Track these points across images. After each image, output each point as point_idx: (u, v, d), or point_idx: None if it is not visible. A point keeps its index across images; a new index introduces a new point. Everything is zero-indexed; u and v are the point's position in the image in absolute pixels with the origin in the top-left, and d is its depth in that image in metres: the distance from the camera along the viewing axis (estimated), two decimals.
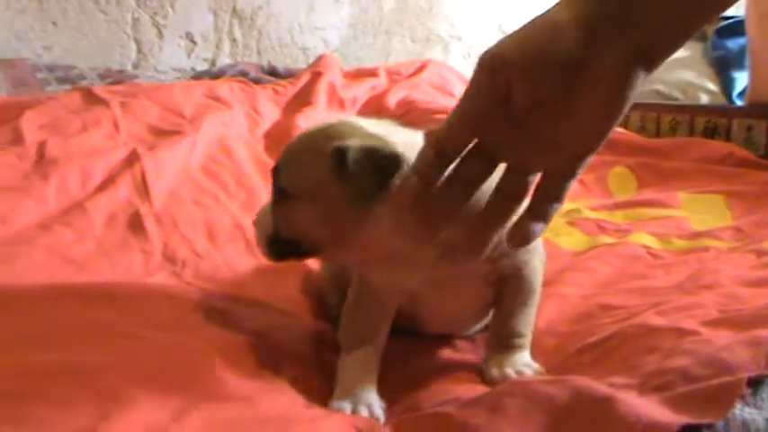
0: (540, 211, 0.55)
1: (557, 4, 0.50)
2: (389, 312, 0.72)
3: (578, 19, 0.48)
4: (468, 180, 0.54)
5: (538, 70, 0.49)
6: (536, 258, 0.74)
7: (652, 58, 0.49)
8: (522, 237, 0.54)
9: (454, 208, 0.54)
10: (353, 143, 0.63)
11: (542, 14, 0.50)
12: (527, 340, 0.74)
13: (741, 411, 0.53)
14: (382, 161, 0.62)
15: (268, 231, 0.69)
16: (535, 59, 0.49)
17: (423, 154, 0.54)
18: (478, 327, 0.83)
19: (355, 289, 0.73)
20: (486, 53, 0.50)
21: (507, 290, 0.73)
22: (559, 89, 0.49)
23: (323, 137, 0.66)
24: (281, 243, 0.68)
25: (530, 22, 0.51)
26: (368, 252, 0.66)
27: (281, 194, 0.68)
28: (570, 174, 0.54)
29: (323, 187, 0.64)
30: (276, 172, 0.69)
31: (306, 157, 0.67)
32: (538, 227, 0.55)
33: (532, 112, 0.50)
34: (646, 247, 1.09)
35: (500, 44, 0.51)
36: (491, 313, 0.78)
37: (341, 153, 0.62)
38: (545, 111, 0.50)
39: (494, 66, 0.50)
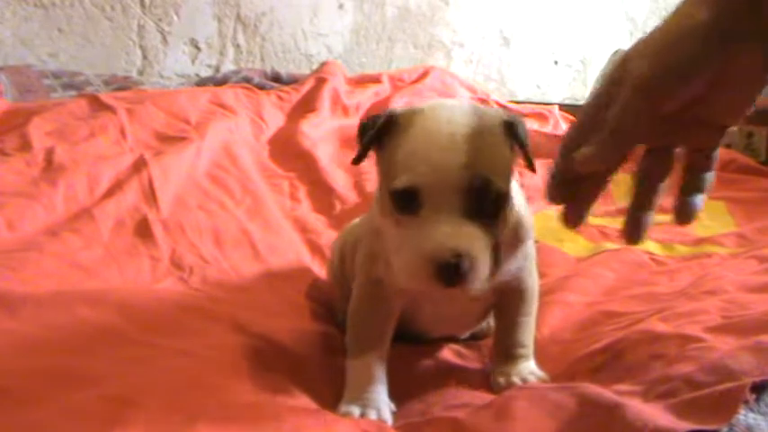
0: (697, 184, 0.58)
1: (689, 2, 0.52)
2: (395, 315, 0.72)
3: (718, 22, 0.50)
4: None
5: (684, 82, 0.51)
6: (533, 264, 0.75)
7: None
8: (688, 213, 0.58)
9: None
10: (514, 117, 0.63)
11: (678, 17, 0.52)
12: (530, 349, 0.74)
13: (745, 417, 0.53)
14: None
15: (485, 270, 0.59)
16: (681, 72, 0.51)
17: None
18: (475, 330, 0.84)
19: (360, 293, 0.72)
20: (637, 78, 0.52)
21: (509, 300, 0.73)
22: (705, 90, 0.52)
23: (486, 117, 0.62)
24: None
25: (667, 27, 0.53)
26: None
27: (493, 201, 0.60)
28: (716, 144, 0.57)
29: (511, 166, 0.63)
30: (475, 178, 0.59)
31: (496, 142, 0.62)
32: (699, 199, 0.58)
33: (681, 113, 0.53)
34: (649, 253, 1.10)
35: (643, 63, 0.52)
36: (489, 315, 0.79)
37: (512, 126, 0.62)
38: (692, 109, 0.53)
39: (649, 91, 0.52)
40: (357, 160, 0.65)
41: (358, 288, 0.73)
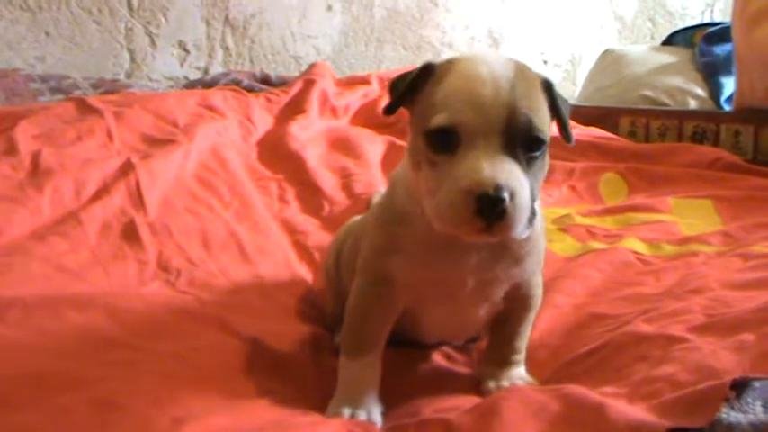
0: None
1: None
2: (394, 317, 0.70)
3: None
4: None
5: None
6: (540, 275, 0.74)
7: None
8: None
9: None
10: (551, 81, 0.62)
11: None
12: (523, 355, 0.75)
13: (727, 415, 0.54)
14: None
15: (526, 210, 0.56)
16: None
17: None
18: (471, 337, 0.83)
19: (362, 293, 0.70)
20: None
21: (516, 307, 0.72)
22: None
23: (526, 69, 0.61)
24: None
25: None
26: None
27: (532, 144, 0.58)
28: None
29: (548, 122, 0.61)
30: (521, 119, 0.57)
31: (536, 93, 0.60)
32: None
33: None
34: (636, 252, 1.10)
35: None
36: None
37: (550, 86, 0.61)
38: None
39: None
40: (389, 110, 0.63)
41: (360, 287, 0.70)
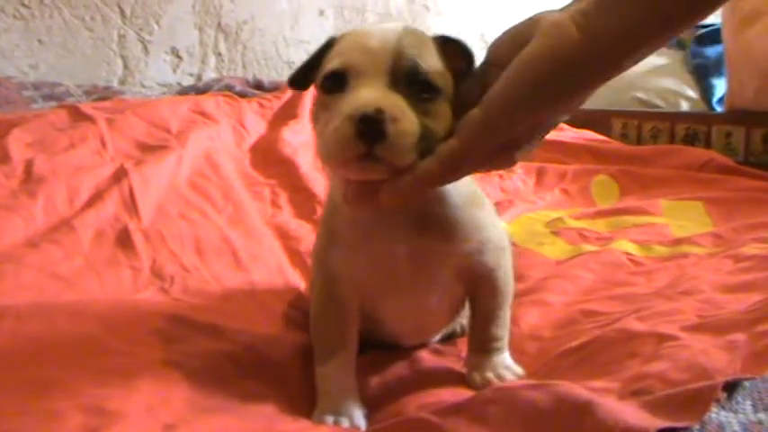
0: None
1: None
2: (353, 314, 0.70)
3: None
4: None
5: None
6: (507, 258, 0.74)
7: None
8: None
9: None
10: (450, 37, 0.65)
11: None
12: (504, 342, 0.74)
13: (717, 415, 0.54)
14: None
15: (411, 134, 0.57)
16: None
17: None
18: (445, 332, 0.84)
19: (317, 296, 0.71)
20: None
21: (481, 293, 0.73)
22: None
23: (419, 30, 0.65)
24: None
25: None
26: None
27: (421, 86, 0.60)
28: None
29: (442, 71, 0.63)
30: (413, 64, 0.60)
31: (425, 44, 0.63)
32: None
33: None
34: (627, 254, 1.11)
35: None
36: (458, 318, 0.80)
37: (447, 41, 0.64)
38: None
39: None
40: (294, 80, 0.67)
41: (314, 289, 0.72)
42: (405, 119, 0.56)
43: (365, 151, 0.55)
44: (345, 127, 0.55)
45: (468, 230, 0.69)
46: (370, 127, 0.55)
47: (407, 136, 0.56)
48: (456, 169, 0.58)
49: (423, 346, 0.82)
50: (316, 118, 0.62)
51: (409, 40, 0.60)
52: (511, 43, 0.58)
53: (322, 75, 0.61)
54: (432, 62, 0.61)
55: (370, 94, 0.56)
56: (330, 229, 0.70)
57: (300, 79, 0.67)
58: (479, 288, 0.73)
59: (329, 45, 0.64)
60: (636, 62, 0.55)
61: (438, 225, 0.67)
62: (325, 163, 0.60)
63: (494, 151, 0.58)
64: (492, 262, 0.71)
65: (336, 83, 0.60)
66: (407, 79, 0.59)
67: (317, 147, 0.60)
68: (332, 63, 0.60)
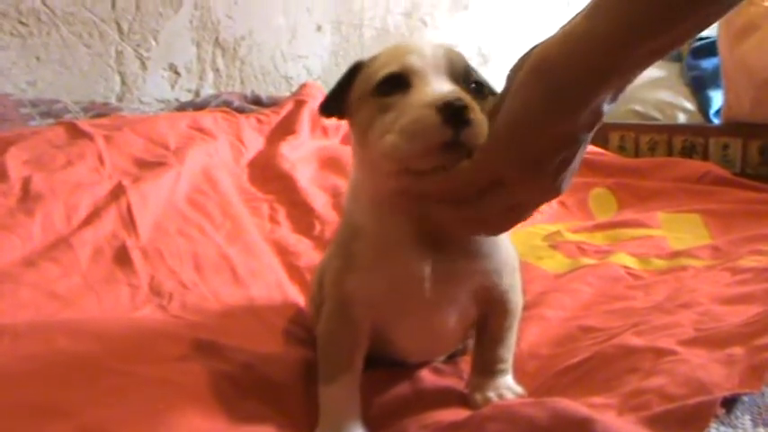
0: None
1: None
2: (364, 336, 0.70)
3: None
4: None
5: None
6: (518, 278, 0.74)
7: None
8: None
9: None
10: None
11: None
12: (509, 364, 0.74)
13: (716, 430, 0.54)
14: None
15: (484, 125, 0.58)
16: None
17: None
18: (452, 351, 0.83)
19: (329, 316, 0.71)
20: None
21: (493, 314, 0.72)
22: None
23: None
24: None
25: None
26: None
27: (475, 85, 0.63)
28: None
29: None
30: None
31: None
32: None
33: None
34: (626, 267, 1.11)
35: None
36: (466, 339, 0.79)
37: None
38: None
39: None
40: (324, 107, 0.68)
41: (326, 311, 0.71)
42: (477, 109, 0.58)
43: (451, 137, 0.56)
44: (430, 115, 0.56)
45: (488, 247, 0.69)
46: (456, 114, 0.56)
47: (484, 124, 0.57)
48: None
49: (426, 363, 0.82)
50: (368, 124, 0.62)
51: (451, 49, 0.64)
52: (518, 69, 0.58)
53: (376, 81, 0.62)
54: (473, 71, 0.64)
55: (445, 87, 0.59)
56: (349, 253, 0.68)
57: (332, 105, 0.68)
58: (492, 309, 0.72)
59: (357, 68, 0.66)
60: (624, 75, 0.55)
61: (459, 242, 0.67)
62: (401, 155, 0.58)
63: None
64: (507, 284, 0.71)
65: (396, 85, 0.61)
66: (463, 78, 0.61)
67: (381, 145, 0.60)
68: (388, 68, 0.61)
